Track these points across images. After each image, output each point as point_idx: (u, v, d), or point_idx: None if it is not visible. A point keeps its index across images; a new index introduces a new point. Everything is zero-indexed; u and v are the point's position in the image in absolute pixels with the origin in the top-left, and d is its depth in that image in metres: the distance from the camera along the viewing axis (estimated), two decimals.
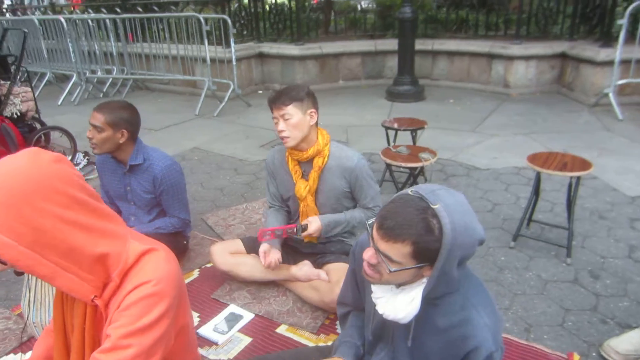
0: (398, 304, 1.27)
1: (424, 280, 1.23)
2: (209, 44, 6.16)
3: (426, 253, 1.13)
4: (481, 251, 2.83)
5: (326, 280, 2.31)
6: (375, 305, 1.34)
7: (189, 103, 6.54)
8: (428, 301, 1.24)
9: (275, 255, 2.33)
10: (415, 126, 3.59)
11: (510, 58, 6.29)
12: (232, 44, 6.02)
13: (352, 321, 1.66)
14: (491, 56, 6.48)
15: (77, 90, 6.79)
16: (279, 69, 7.20)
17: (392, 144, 3.71)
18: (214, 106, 6.13)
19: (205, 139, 5.07)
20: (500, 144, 4.65)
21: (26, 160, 1.04)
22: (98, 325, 1.20)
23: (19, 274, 1.14)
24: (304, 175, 2.29)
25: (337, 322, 2.17)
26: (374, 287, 1.35)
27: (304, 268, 2.40)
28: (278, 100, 2.10)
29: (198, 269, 2.74)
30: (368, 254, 1.23)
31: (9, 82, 3.82)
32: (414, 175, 3.13)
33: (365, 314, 1.55)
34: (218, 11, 7.36)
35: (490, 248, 2.90)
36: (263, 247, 2.34)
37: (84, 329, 1.21)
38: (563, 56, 6.20)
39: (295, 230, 2.24)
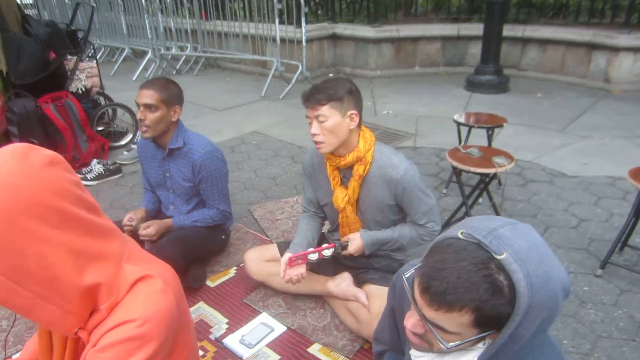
0: None
1: (482, 344, 0.92)
2: (282, 23, 5.97)
3: (493, 320, 0.82)
4: None
5: (366, 305, 2.01)
6: None
7: (257, 84, 6.41)
8: None
9: (299, 269, 2.01)
10: (492, 124, 3.15)
11: (615, 49, 5.50)
12: (303, 24, 5.77)
13: None
14: (592, 46, 5.72)
15: (152, 67, 6.90)
16: (351, 52, 6.86)
17: (463, 142, 3.29)
18: (281, 88, 5.94)
19: (267, 123, 4.89)
20: (594, 147, 4.04)
21: (11, 163, 0.82)
22: (80, 356, 1.02)
23: None
24: (344, 182, 1.98)
25: None
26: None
27: (341, 284, 2.12)
28: (312, 98, 1.77)
29: (235, 267, 2.55)
30: (411, 322, 0.92)
31: (75, 57, 3.83)
32: (485, 182, 2.71)
33: None
34: None
35: (571, 274, 2.45)
36: (285, 257, 2.03)
37: None
38: None
39: (333, 251, 1.95)
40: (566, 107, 5.15)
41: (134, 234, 2.33)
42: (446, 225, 2.75)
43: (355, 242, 1.94)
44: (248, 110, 5.40)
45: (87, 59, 4.15)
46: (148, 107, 2.20)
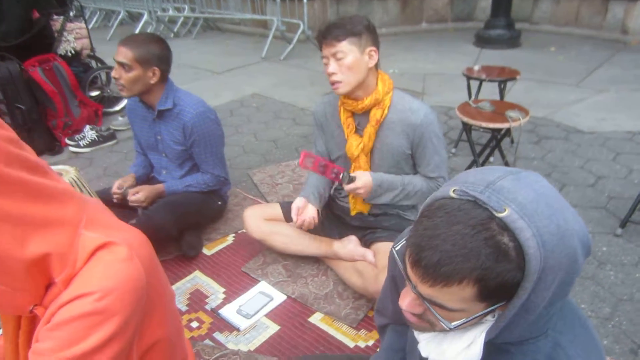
0: (448, 347, 0.84)
1: (491, 317, 0.78)
2: None
3: (500, 291, 0.68)
4: None
5: (372, 264, 1.90)
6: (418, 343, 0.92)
7: (257, 45, 6.17)
8: (497, 346, 0.79)
9: (311, 212, 1.93)
10: (504, 76, 2.95)
11: None
12: None
13: (388, 341, 1.25)
14: None
15: (148, 30, 6.65)
16: (355, 8, 6.56)
17: (473, 97, 3.10)
18: (282, 49, 5.71)
19: (267, 84, 4.69)
20: (611, 101, 3.83)
21: None
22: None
23: None
24: (358, 130, 1.86)
25: None
26: None
27: (348, 245, 2.01)
28: (329, 34, 1.66)
29: (233, 234, 2.43)
30: (406, 302, 0.78)
31: (62, 18, 3.63)
32: (497, 139, 2.54)
33: (408, 338, 1.13)
34: None
35: (589, 234, 2.30)
36: (297, 201, 1.93)
37: (17, 342, 0.91)
38: None
39: (340, 175, 1.80)
40: (581, 60, 4.90)
41: (124, 200, 2.21)
42: None
43: (363, 177, 1.80)
44: (248, 73, 5.20)
45: (75, 19, 3.93)
46: (122, 65, 2.03)
